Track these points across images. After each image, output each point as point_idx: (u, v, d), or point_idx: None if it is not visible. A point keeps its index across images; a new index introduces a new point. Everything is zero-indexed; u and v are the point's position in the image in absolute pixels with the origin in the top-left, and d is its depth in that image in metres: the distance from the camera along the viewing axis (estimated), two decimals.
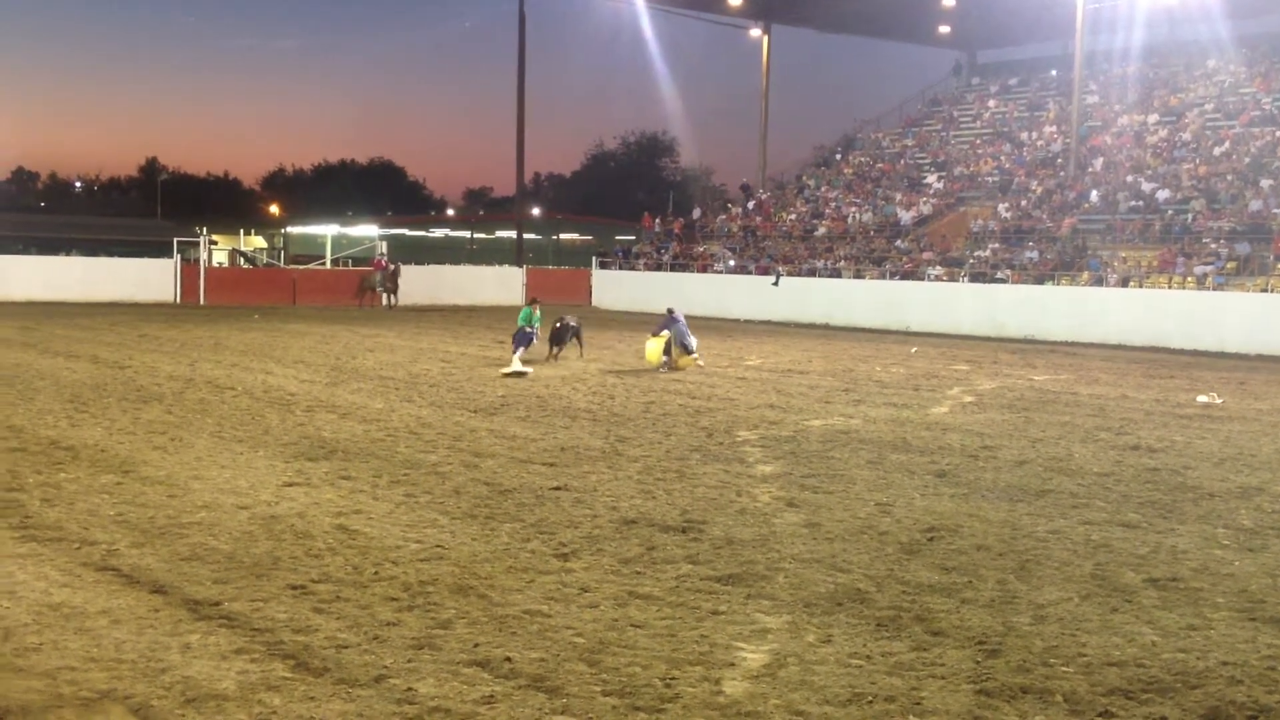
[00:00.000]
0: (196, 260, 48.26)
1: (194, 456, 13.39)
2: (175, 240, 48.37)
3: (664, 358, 23.78)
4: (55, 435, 14.56)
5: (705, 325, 37.11)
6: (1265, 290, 33.65)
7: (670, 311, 24.56)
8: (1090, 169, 44.09)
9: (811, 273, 45.37)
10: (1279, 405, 20.62)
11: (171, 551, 9.33)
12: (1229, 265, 35.14)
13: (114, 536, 9.76)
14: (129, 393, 18.63)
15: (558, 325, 25.64)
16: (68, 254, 53.15)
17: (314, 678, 6.74)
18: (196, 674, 6.75)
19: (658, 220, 57.88)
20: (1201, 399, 20.84)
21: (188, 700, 6.37)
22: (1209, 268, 35.23)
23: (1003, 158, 48.61)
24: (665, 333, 23.98)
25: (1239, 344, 32.55)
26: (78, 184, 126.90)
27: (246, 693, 6.49)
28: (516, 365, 22.55)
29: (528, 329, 24.53)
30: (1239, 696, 6.73)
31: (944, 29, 55.74)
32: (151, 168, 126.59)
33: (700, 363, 24.19)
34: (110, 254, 54.17)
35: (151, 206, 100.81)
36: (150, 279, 45.93)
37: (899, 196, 48.96)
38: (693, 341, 24.25)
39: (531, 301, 24.82)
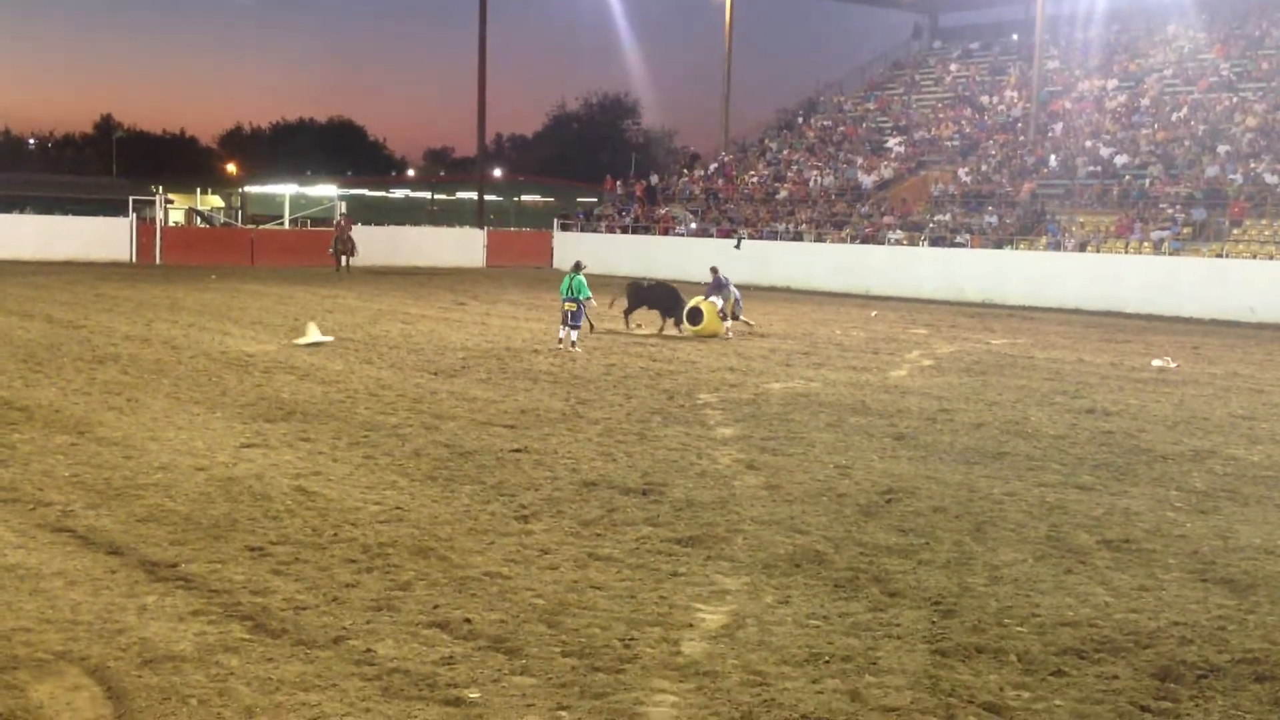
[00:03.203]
0: (152, 219, 47.67)
1: (150, 417, 13.28)
2: (131, 199, 47.70)
3: (725, 323, 23.44)
4: (9, 395, 14.38)
5: None
6: (1220, 256, 34.00)
7: (715, 272, 24.02)
8: (1050, 134, 44.28)
9: (773, 236, 45.41)
10: (1232, 369, 20.88)
11: (128, 513, 9.26)
12: (1185, 230, 35.46)
13: (69, 497, 9.68)
14: (84, 353, 18.43)
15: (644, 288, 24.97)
16: (21, 212, 52.28)
17: (272, 639, 6.73)
18: (153, 635, 6.72)
19: (619, 183, 57.68)
20: (1156, 363, 21.07)
21: (145, 661, 6.35)
22: (1165, 233, 35.53)
23: (964, 122, 48.72)
24: (715, 298, 23.50)
25: (1194, 309, 32.90)
26: (31, 141, 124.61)
27: (204, 654, 6.47)
28: (572, 336, 20.59)
29: (570, 305, 20.65)
30: (1190, 656, 6.84)
31: None
32: (107, 125, 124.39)
33: (729, 330, 23.51)
34: (65, 212, 53.37)
35: (107, 164, 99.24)
36: (105, 238, 45.29)
37: (860, 160, 49.02)
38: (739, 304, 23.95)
39: (576, 267, 21.17)
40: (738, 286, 24.67)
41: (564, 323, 20.84)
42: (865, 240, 42.49)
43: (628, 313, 24.69)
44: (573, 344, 20.60)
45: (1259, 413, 15.97)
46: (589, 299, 20.91)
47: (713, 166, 55.18)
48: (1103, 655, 6.83)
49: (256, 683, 6.13)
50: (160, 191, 48.74)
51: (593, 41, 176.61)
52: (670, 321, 24.25)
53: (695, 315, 23.63)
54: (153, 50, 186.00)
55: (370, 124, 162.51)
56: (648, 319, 24.92)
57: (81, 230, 46.00)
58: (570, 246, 51.55)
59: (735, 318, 23.79)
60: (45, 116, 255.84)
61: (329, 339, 20.77)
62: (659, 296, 24.89)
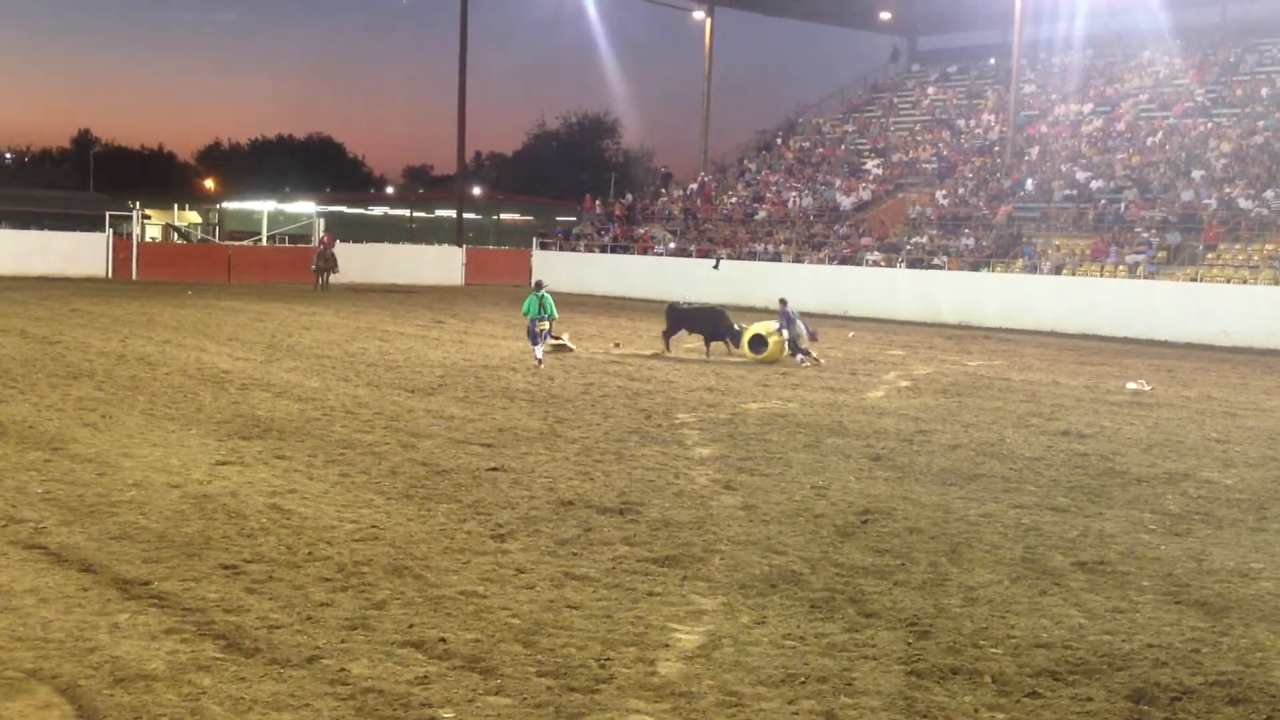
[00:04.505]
0: (129, 235, 47.50)
1: (125, 434, 13.20)
2: (108, 214, 47.57)
3: (798, 357, 22.68)
4: None
5: (646, 308, 37.21)
6: (1195, 280, 34.23)
7: (784, 304, 23.21)
8: (1026, 157, 44.57)
9: (752, 256, 45.53)
10: (1206, 393, 21.01)
11: (101, 530, 9.20)
12: (1160, 254, 35.70)
13: (42, 514, 9.60)
14: (59, 369, 18.31)
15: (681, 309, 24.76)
16: None
17: (245, 658, 6.68)
18: (125, 654, 6.67)
19: (599, 202, 57.78)
20: (1131, 386, 21.18)
21: (116, 680, 6.30)
22: (1140, 257, 35.77)
23: (941, 145, 48.99)
24: (786, 332, 22.82)
25: (1169, 332, 33.09)
26: (8, 155, 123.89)
27: (176, 673, 6.42)
28: (538, 351, 21.18)
29: (536, 324, 21.26)
30: (1163, 678, 6.86)
31: (885, 15, 55.91)
32: (84, 140, 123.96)
33: (812, 357, 22.89)
34: (41, 227, 53.13)
35: (84, 179, 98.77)
36: (82, 253, 45.10)
37: (839, 182, 49.21)
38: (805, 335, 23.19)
39: (538, 286, 21.46)
40: (724, 307, 24.82)
41: (535, 341, 21.27)
42: (843, 261, 42.64)
43: (667, 335, 24.60)
44: (538, 360, 21.05)
45: (1233, 436, 16.07)
46: (555, 319, 21.56)
47: (692, 187, 55.30)
48: (1077, 677, 6.85)
49: (229, 702, 6.09)
50: (137, 207, 48.55)
51: (573, 61, 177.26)
52: (720, 344, 24.07)
53: (759, 343, 23.21)
54: (131, 65, 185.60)
55: (349, 141, 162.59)
56: (689, 341, 24.89)
57: (58, 245, 45.78)
58: (549, 265, 51.61)
59: (807, 353, 22.92)
60: (22, 131, 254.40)
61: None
62: (702, 319, 24.62)
